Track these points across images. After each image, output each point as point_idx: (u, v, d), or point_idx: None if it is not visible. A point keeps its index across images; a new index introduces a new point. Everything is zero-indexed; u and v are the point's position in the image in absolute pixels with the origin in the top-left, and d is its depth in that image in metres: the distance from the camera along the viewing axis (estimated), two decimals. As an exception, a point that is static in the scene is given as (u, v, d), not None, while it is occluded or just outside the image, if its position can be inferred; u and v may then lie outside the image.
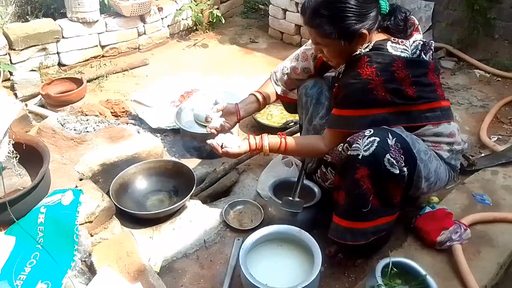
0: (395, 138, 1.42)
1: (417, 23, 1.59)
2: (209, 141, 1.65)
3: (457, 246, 1.60)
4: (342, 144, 1.54)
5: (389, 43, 1.48)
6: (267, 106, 2.70)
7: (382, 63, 1.44)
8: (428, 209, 1.76)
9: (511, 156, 2.15)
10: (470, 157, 2.19)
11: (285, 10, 3.98)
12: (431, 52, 1.56)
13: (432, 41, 1.58)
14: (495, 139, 2.52)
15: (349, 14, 1.42)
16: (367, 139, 1.42)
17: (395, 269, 1.43)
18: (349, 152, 1.46)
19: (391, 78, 1.43)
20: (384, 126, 1.47)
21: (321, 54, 1.60)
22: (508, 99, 2.88)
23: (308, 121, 1.92)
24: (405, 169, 1.44)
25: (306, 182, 1.90)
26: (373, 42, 1.49)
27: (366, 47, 1.49)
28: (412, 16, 1.57)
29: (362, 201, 1.47)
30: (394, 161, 1.41)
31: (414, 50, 1.49)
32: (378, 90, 1.43)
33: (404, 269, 1.45)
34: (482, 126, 2.58)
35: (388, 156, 1.40)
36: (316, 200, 1.81)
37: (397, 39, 1.50)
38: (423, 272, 1.43)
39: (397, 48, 1.47)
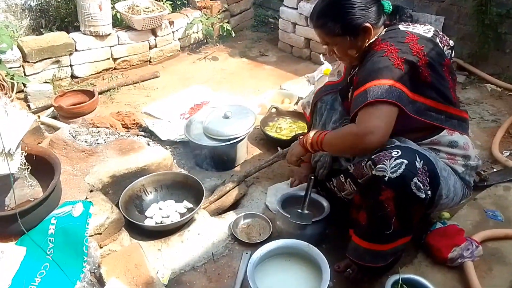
0: (422, 161, 1.39)
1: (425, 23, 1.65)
2: None
3: (468, 263, 1.57)
4: (365, 160, 1.51)
5: (400, 25, 1.56)
6: (276, 119, 2.74)
7: (395, 37, 1.51)
8: (439, 225, 1.74)
9: (524, 171, 2.13)
10: (482, 172, 2.16)
11: (294, 24, 4.01)
12: (448, 47, 1.61)
13: (448, 39, 1.64)
14: (507, 154, 2.49)
15: (350, 10, 1.52)
16: (394, 160, 1.38)
17: (405, 286, 1.42)
18: (374, 172, 1.42)
19: (406, 49, 1.46)
20: (409, 146, 1.46)
21: (333, 54, 1.66)
22: (520, 113, 2.86)
23: (321, 126, 1.93)
24: (429, 192, 1.41)
25: (314, 196, 1.90)
26: (383, 31, 1.58)
27: (379, 36, 1.57)
28: (417, 19, 1.62)
29: (385, 223, 1.43)
30: (421, 185, 1.37)
31: (427, 31, 1.55)
32: (394, 57, 1.45)
33: (414, 286, 1.44)
34: (494, 141, 2.55)
35: (415, 179, 1.37)
36: (325, 214, 1.80)
37: (407, 23, 1.58)
38: (433, 289, 1.41)
39: (407, 27, 1.55)
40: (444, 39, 1.60)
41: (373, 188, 1.42)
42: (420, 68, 1.45)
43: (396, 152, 1.40)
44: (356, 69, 1.68)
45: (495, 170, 2.29)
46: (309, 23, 1.70)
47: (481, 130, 2.76)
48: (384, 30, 1.59)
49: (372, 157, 1.45)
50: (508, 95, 3.18)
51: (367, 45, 1.58)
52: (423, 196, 1.38)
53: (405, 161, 1.37)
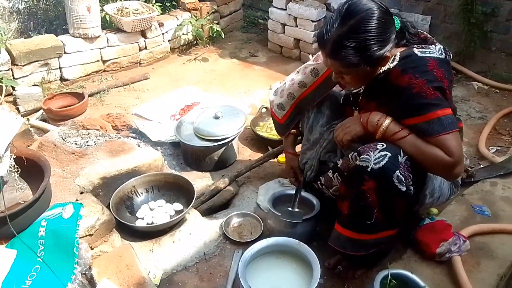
0: (405, 157, 1.41)
1: (431, 38, 1.55)
2: None
3: (456, 258, 1.60)
4: (352, 152, 1.53)
5: (414, 49, 1.44)
6: (267, 119, 2.74)
7: (417, 67, 1.40)
8: (427, 221, 1.76)
9: (510, 167, 2.16)
10: (469, 168, 2.19)
11: (284, 25, 4.03)
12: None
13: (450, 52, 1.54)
14: (494, 150, 2.53)
15: (373, 42, 1.36)
16: (378, 152, 1.41)
17: (394, 281, 1.43)
18: (357, 162, 1.45)
19: (431, 77, 1.38)
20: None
21: (341, 79, 1.53)
22: (507, 110, 2.91)
23: (308, 129, 1.94)
24: (412, 187, 1.44)
25: (305, 194, 1.91)
26: (398, 54, 1.46)
27: (393, 61, 1.45)
28: (421, 30, 1.55)
29: (367, 213, 1.46)
30: (403, 178, 1.40)
31: (440, 52, 1.46)
32: (424, 90, 1.36)
33: (403, 281, 1.46)
34: (481, 138, 2.59)
35: (397, 172, 1.39)
36: (315, 212, 1.81)
37: (420, 45, 1.47)
38: (422, 284, 1.43)
39: (424, 51, 1.43)
40: (449, 53, 1.52)
41: (356, 178, 1.45)
42: (446, 91, 1.41)
43: (381, 145, 1.43)
44: (362, 87, 1.60)
45: (482, 166, 2.33)
46: (317, 47, 1.48)
47: (468, 127, 2.80)
48: (399, 53, 1.46)
49: (358, 149, 1.47)
50: (494, 92, 3.23)
51: (381, 71, 1.48)
52: (404, 189, 1.41)
53: (389, 154, 1.40)
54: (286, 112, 1.96)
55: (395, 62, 1.45)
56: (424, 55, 1.43)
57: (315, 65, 1.81)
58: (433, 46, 1.47)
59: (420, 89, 1.37)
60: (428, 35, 1.54)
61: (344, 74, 1.49)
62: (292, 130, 2.04)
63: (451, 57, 1.51)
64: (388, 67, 1.46)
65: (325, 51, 1.43)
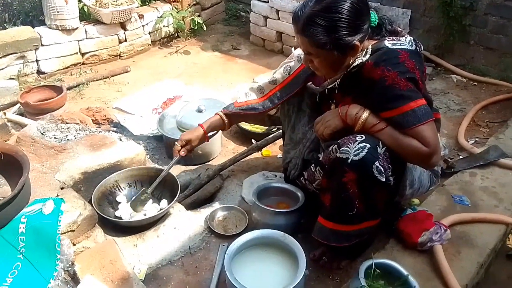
0: (384, 148, 1.43)
1: (402, 31, 1.57)
2: None
3: (437, 246, 1.63)
4: (332, 145, 1.54)
5: (385, 41, 1.46)
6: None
7: (388, 60, 1.41)
8: (409, 211, 1.79)
9: (488, 158, 2.21)
10: (449, 159, 2.24)
11: (266, 18, 4.02)
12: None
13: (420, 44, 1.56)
14: (473, 141, 2.59)
15: (343, 25, 1.39)
16: (358, 144, 1.42)
17: (378, 271, 1.45)
18: (338, 154, 1.46)
19: (403, 68, 1.40)
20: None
21: (310, 64, 1.56)
22: (485, 103, 2.97)
23: (291, 129, 1.94)
24: (391, 178, 1.47)
25: (289, 186, 1.92)
26: (369, 48, 1.48)
27: (365, 54, 1.47)
28: (396, 26, 1.57)
29: (348, 205, 1.48)
30: (382, 169, 1.42)
31: (410, 44, 1.48)
32: (397, 82, 1.38)
33: (386, 270, 1.48)
34: (460, 130, 2.65)
35: (377, 163, 1.41)
36: (300, 204, 1.82)
37: (391, 37, 1.49)
38: (405, 272, 1.45)
39: (395, 43, 1.46)
40: (419, 45, 1.54)
41: (337, 170, 1.46)
42: (418, 82, 1.43)
43: (360, 137, 1.44)
44: (337, 81, 1.60)
45: (461, 157, 2.38)
46: (292, 23, 1.51)
47: (448, 119, 2.85)
48: (370, 46, 1.48)
49: (338, 141, 1.49)
50: (473, 85, 3.30)
51: (351, 62, 1.50)
52: (384, 179, 1.43)
53: (368, 145, 1.42)
54: (246, 101, 1.96)
55: (368, 56, 1.47)
56: (395, 47, 1.45)
57: (288, 62, 1.85)
58: (404, 38, 1.50)
59: (393, 81, 1.39)
60: (398, 28, 1.57)
61: (313, 56, 1.51)
62: (225, 117, 1.95)
63: (421, 49, 1.54)
64: (361, 60, 1.48)
65: (297, 26, 1.47)
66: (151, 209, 1.94)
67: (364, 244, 1.70)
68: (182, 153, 1.90)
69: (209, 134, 1.96)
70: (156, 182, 1.92)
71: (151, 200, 1.97)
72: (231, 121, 1.99)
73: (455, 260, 1.63)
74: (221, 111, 1.98)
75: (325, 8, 1.40)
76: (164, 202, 1.96)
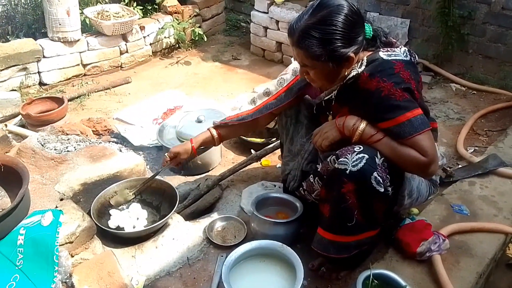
0: (382, 158, 1.44)
1: (396, 42, 1.59)
2: None
3: (436, 256, 1.62)
4: (330, 156, 1.54)
5: (380, 53, 1.48)
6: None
7: (383, 71, 1.43)
8: (408, 221, 1.79)
9: (487, 167, 2.20)
10: (448, 168, 2.24)
11: (266, 28, 4.05)
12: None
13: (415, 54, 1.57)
14: (472, 150, 2.58)
15: (338, 37, 1.41)
16: (356, 155, 1.43)
17: (376, 281, 1.45)
18: (336, 165, 1.47)
19: (398, 79, 1.41)
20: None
21: (306, 76, 1.57)
22: (484, 111, 2.97)
23: (289, 141, 1.95)
24: (390, 188, 1.47)
25: (287, 197, 1.92)
26: (364, 59, 1.49)
27: (360, 65, 1.49)
28: (391, 38, 1.59)
29: (347, 215, 1.47)
30: (381, 180, 1.43)
31: (405, 54, 1.50)
32: (393, 92, 1.39)
33: (385, 281, 1.47)
34: (459, 138, 2.65)
35: (375, 174, 1.41)
36: (298, 214, 1.82)
37: (386, 48, 1.51)
38: (403, 283, 1.45)
39: (390, 54, 1.47)
40: (414, 55, 1.56)
41: (336, 181, 1.46)
42: (414, 92, 1.45)
43: (358, 148, 1.45)
44: (334, 93, 1.61)
45: (460, 166, 2.38)
46: (287, 37, 1.53)
47: (447, 128, 2.86)
48: (365, 58, 1.49)
49: (336, 152, 1.49)
50: (472, 94, 3.31)
51: (347, 74, 1.51)
52: (382, 190, 1.43)
53: (366, 156, 1.42)
54: (237, 113, 1.97)
55: (363, 67, 1.48)
56: (390, 58, 1.47)
57: (283, 75, 1.87)
58: (398, 49, 1.51)
59: (389, 92, 1.40)
60: (393, 39, 1.59)
61: (308, 68, 1.52)
62: (215, 132, 1.96)
63: (416, 59, 1.56)
64: (357, 72, 1.49)
65: (292, 39, 1.48)
66: (140, 214, 1.95)
67: (363, 254, 1.69)
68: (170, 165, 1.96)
69: (199, 150, 1.98)
70: (140, 185, 1.98)
71: (139, 205, 1.97)
72: (222, 136, 1.99)
73: (454, 270, 1.62)
74: (212, 125, 1.99)
75: (320, 20, 1.42)
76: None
